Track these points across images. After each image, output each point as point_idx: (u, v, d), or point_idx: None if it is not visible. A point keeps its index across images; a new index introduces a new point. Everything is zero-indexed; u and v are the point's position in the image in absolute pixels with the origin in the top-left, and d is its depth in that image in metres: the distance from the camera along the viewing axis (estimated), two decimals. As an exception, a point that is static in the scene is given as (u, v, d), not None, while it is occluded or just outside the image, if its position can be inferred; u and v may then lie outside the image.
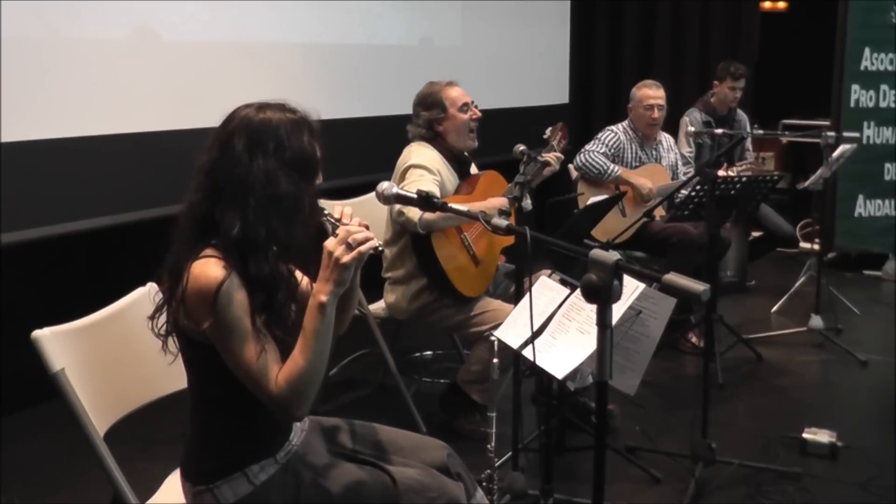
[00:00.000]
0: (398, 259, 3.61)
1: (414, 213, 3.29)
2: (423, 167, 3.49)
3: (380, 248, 1.91)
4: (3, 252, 3.46)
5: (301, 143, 1.92)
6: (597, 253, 1.71)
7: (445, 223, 3.38)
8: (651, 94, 4.95)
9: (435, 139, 3.64)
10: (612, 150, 4.92)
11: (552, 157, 3.44)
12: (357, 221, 1.93)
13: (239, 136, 1.89)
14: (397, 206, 3.33)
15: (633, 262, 3.96)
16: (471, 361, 3.61)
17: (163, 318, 1.96)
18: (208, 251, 1.86)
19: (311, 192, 1.95)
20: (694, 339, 4.83)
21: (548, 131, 3.63)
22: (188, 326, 1.89)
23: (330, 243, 1.88)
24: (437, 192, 3.43)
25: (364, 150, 4.96)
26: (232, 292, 1.82)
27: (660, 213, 4.72)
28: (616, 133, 4.98)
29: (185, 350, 1.97)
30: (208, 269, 1.83)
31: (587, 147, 4.93)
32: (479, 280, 3.62)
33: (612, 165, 4.82)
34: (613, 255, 1.69)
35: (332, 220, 1.96)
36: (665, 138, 5.16)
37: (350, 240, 1.86)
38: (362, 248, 1.87)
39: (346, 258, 1.85)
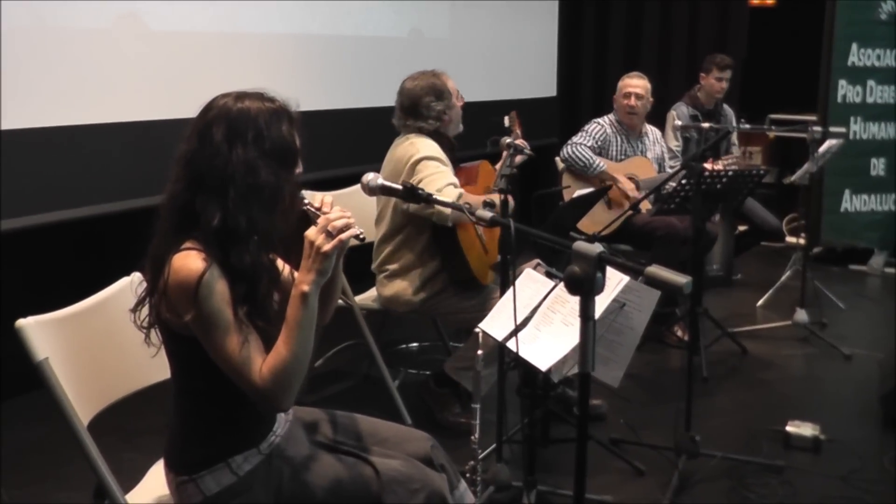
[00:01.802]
0: (397, 251, 3.57)
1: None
2: (437, 159, 3.43)
3: (361, 235, 1.91)
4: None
5: (280, 133, 1.91)
6: (580, 245, 1.71)
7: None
8: (630, 83, 4.97)
9: (436, 130, 3.56)
10: (599, 143, 4.93)
11: (521, 143, 3.41)
12: (338, 209, 1.92)
13: (217, 126, 1.87)
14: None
15: (619, 255, 3.97)
16: (469, 347, 3.59)
17: (145, 311, 1.95)
18: (189, 243, 1.85)
19: (291, 182, 1.94)
20: (679, 333, 4.84)
21: (506, 120, 3.61)
22: (170, 319, 1.88)
23: (310, 232, 1.87)
24: (457, 183, 3.41)
25: (353, 141, 4.96)
26: (212, 284, 1.81)
27: (645, 206, 4.73)
28: (602, 125, 5.00)
29: (168, 342, 1.97)
30: (189, 261, 1.82)
31: (574, 139, 4.94)
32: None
33: (597, 160, 4.82)
34: (596, 248, 1.69)
35: (313, 209, 1.95)
36: (651, 131, 5.17)
37: (330, 227, 1.86)
38: (343, 235, 1.87)
39: (326, 247, 1.85)
